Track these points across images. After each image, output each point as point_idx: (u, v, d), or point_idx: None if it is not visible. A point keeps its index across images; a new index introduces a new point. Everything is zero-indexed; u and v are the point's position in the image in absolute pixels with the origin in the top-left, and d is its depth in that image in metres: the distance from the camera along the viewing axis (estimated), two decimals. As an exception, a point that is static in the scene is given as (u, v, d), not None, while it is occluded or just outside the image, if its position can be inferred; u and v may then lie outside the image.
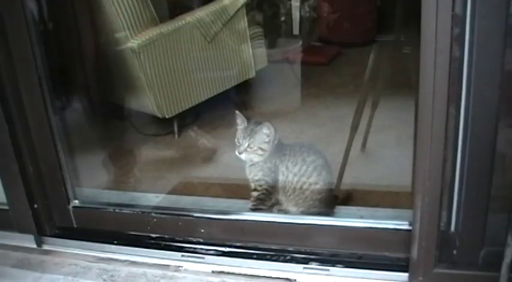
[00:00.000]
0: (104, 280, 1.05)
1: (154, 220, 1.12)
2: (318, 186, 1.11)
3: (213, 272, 1.04)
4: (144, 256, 1.09)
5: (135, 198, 1.31)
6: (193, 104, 1.76)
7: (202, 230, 1.10)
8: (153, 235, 1.13)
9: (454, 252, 0.90)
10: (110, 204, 1.18)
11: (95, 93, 1.37)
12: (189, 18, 1.68)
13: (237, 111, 1.15)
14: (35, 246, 1.15)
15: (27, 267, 1.09)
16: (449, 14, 0.75)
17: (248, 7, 1.63)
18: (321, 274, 0.99)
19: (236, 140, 1.13)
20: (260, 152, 1.11)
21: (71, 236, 1.17)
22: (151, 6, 1.60)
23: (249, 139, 1.11)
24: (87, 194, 1.21)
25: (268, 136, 1.11)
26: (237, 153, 1.13)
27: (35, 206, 1.13)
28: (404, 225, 0.97)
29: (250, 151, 1.11)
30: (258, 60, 1.92)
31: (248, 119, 1.14)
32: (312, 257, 1.02)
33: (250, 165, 1.15)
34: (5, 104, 1.06)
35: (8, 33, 1.04)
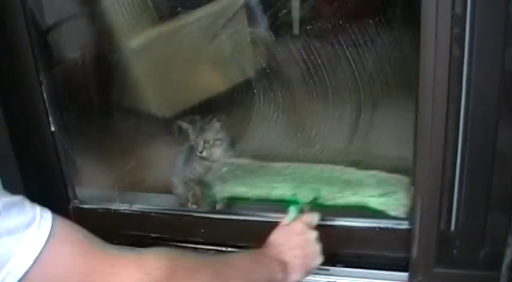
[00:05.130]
0: (104, 280, 1.05)
1: (154, 220, 1.12)
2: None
3: (213, 271, 1.04)
4: (144, 256, 1.09)
5: (135, 198, 1.31)
6: (193, 104, 1.75)
7: (202, 230, 1.10)
8: (153, 235, 1.13)
9: (454, 252, 0.90)
10: (110, 204, 1.18)
11: (94, 92, 1.37)
12: (189, 18, 1.67)
13: (177, 122, 1.19)
14: (35, 246, 1.15)
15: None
16: (449, 13, 0.75)
17: (248, 7, 1.63)
18: (321, 274, 0.99)
19: (192, 143, 1.16)
20: (218, 142, 1.14)
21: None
22: (152, 6, 1.60)
23: (202, 136, 1.14)
24: (87, 193, 1.21)
25: (220, 127, 1.16)
26: (198, 154, 1.15)
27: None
28: (404, 225, 0.97)
29: (208, 146, 1.14)
30: (257, 60, 1.92)
31: (192, 119, 1.18)
32: (312, 256, 1.02)
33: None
34: (5, 104, 1.06)
35: (8, 33, 1.04)
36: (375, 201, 0.94)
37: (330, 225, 1.03)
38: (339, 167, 0.99)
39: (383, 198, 0.93)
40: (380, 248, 0.99)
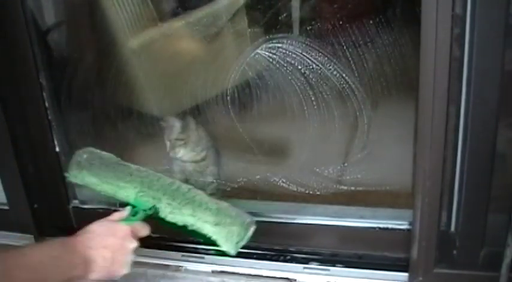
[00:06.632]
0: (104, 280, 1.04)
1: (154, 220, 1.12)
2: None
3: (213, 272, 1.04)
4: (144, 256, 1.09)
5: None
6: (194, 104, 1.75)
7: (202, 230, 1.10)
8: (153, 235, 1.13)
9: (454, 252, 0.90)
10: (110, 204, 1.18)
11: (94, 92, 1.37)
12: (189, 18, 1.67)
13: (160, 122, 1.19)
14: (35, 246, 1.15)
15: (27, 267, 1.09)
16: (449, 14, 0.75)
17: (248, 7, 1.63)
18: (321, 274, 0.99)
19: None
20: (180, 142, 1.14)
21: (71, 236, 1.17)
22: (152, 6, 1.60)
23: (168, 136, 1.15)
24: (87, 194, 1.21)
25: (181, 128, 1.16)
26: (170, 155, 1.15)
27: (35, 206, 1.13)
28: (404, 225, 0.97)
29: (171, 146, 1.14)
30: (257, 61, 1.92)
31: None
32: (312, 257, 1.02)
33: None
34: (5, 104, 1.06)
35: (8, 33, 1.04)
36: (208, 228, 0.88)
37: (330, 225, 1.03)
38: (188, 186, 0.94)
39: (217, 228, 0.87)
40: (380, 248, 0.99)
